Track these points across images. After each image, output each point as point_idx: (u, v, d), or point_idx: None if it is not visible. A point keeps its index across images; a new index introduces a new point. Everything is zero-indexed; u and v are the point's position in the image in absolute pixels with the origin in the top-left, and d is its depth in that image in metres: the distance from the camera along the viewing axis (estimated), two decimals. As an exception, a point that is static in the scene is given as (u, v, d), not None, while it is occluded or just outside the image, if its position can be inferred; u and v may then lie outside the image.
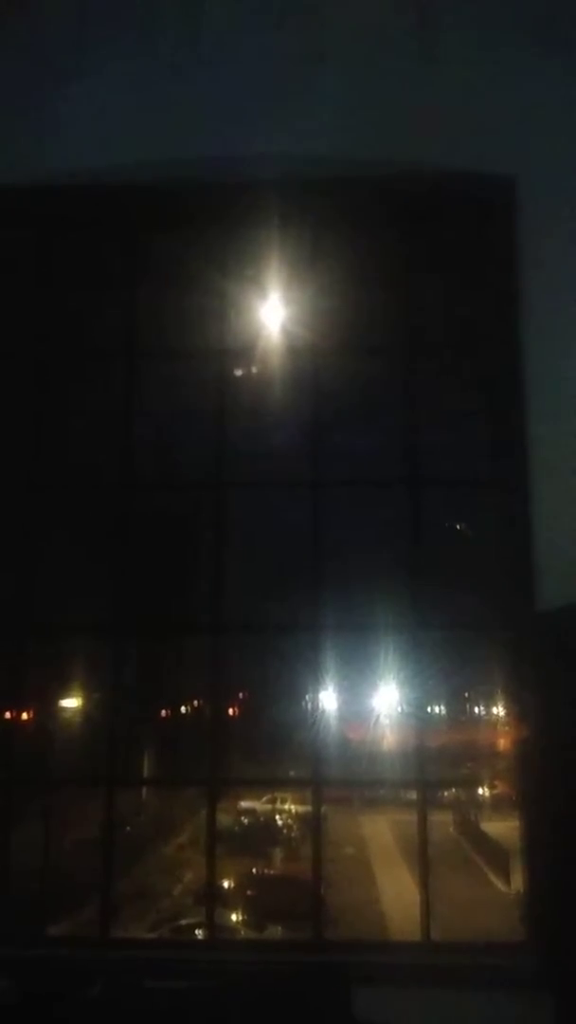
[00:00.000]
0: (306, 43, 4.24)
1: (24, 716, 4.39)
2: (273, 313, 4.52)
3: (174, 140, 4.21)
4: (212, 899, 4.17)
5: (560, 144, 4.13)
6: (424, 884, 3.86)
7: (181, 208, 4.45)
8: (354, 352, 4.49)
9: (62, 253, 4.56)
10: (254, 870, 13.13)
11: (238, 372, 4.50)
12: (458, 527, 4.72)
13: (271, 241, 4.36)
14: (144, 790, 14.44)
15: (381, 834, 17.09)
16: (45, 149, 4.24)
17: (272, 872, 13.43)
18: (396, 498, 4.21)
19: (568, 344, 3.96)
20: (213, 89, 4.22)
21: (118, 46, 4.30)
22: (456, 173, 4.20)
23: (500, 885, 14.08)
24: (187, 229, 4.49)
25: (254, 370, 4.51)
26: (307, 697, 4.26)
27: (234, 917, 9.83)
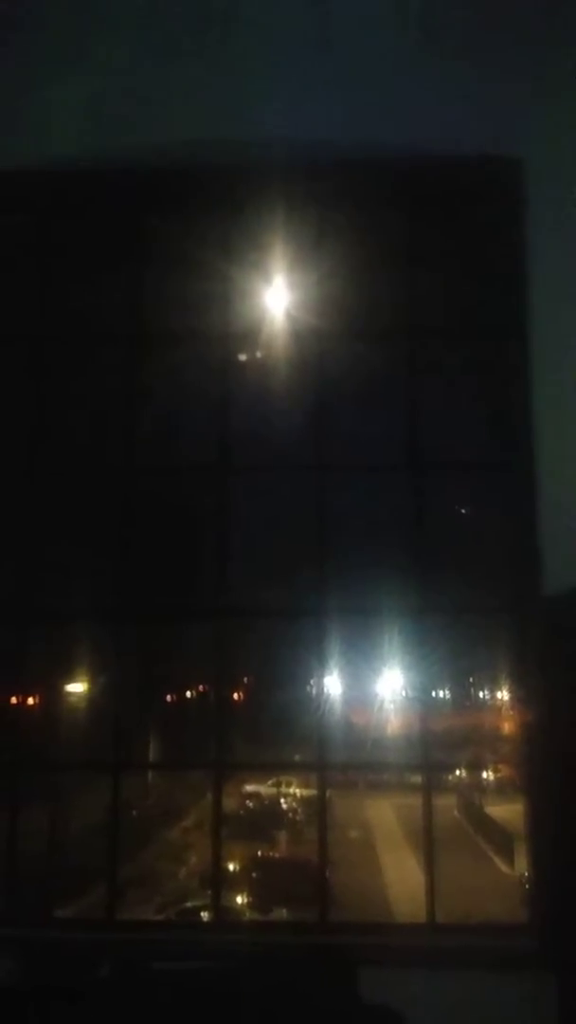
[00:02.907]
0: (310, 26, 4.21)
1: (30, 701, 4.41)
2: (277, 298, 4.50)
3: (177, 124, 4.19)
4: (218, 882, 4.20)
5: (567, 126, 4.10)
6: (429, 867, 3.88)
7: (184, 192, 4.43)
8: (359, 336, 4.47)
9: (64, 237, 4.54)
10: (259, 853, 13.23)
11: (242, 356, 4.48)
12: (463, 511, 4.71)
13: (275, 225, 4.34)
14: (150, 774, 14.52)
15: (385, 817, 17.20)
16: (47, 133, 4.22)
17: (277, 855, 13.54)
18: (400, 482, 4.20)
19: (573, 328, 3.95)
20: (217, 73, 4.19)
21: (121, 28, 4.27)
22: (462, 156, 4.17)
23: (504, 868, 14.18)
24: (190, 213, 4.46)
25: (258, 354, 4.50)
26: (312, 682, 4.28)
27: (239, 900, 9.93)
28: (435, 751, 4.17)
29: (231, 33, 4.22)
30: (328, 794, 4.17)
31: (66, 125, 4.20)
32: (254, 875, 11.48)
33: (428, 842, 3.94)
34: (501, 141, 4.11)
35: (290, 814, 15.70)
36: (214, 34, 4.22)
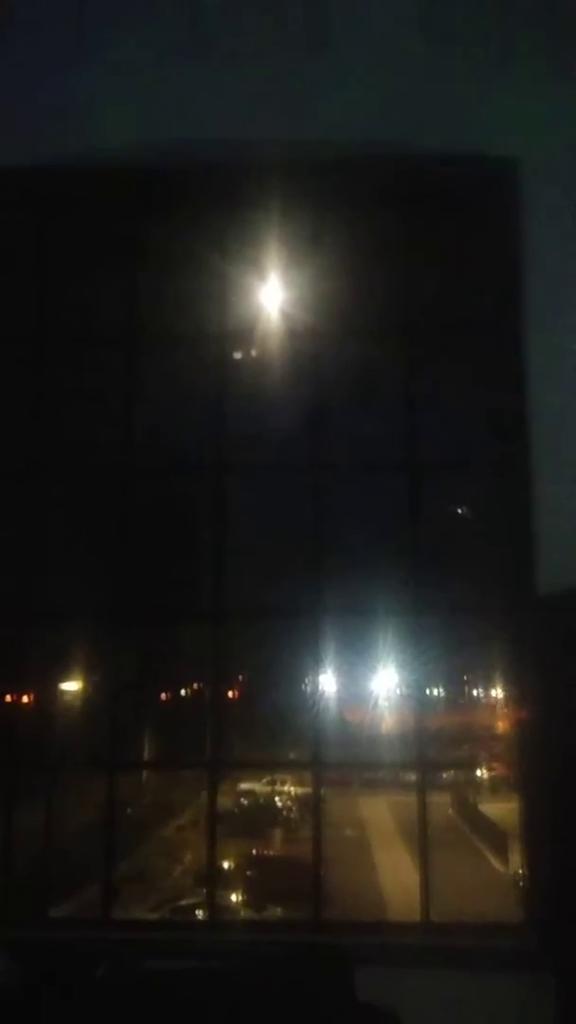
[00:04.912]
0: (307, 26, 4.21)
1: (25, 699, 4.41)
2: (273, 297, 4.50)
3: (174, 123, 4.19)
4: (213, 880, 4.20)
5: (562, 127, 4.10)
6: (423, 865, 3.88)
7: (181, 191, 4.42)
8: (354, 335, 4.47)
9: (61, 236, 4.53)
10: (254, 851, 13.21)
11: (238, 355, 4.48)
12: (459, 511, 4.71)
13: (271, 225, 4.34)
14: (145, 773, 14.51)
15: (380, 816, 17.19)
16: (45, 131, 4.21)
17: (272, 853, 13.52)
18: (397, 482, 4.21)
19: (569, 327, 3.96)
20: (214, 72, 4.19)
21: (119, 28, 4.26)
22: (457, 156, 4.17)
23: (499, 866, 14.18)
24: (187, 212, 4.46)
25: (254, 353, 4.50)
26: (307, 680, 4.27)
27: (234, 898, 9.92)
28: (430, 749, 4.17)
29: (227, 32, 4.22)
30: (323, 792, 4.17)
31: (63, 124, 4.20)
32: (249, 873, 11.47)
33: (422, 840, 3.94)
34: (497, 140, 4.11)
35: (285, 812, 15.67)
36: (210, 33, 4.22)
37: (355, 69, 4.15)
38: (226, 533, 4.21)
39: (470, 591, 4.22)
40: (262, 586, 4.48)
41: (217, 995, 3.23)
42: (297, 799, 15.54)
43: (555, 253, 4.00)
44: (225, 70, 4.17)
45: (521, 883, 3.94)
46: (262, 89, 4.14)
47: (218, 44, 4.20)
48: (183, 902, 9.32)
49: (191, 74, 4.19)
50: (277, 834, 14.64)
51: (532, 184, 4.07)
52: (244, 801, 15.67)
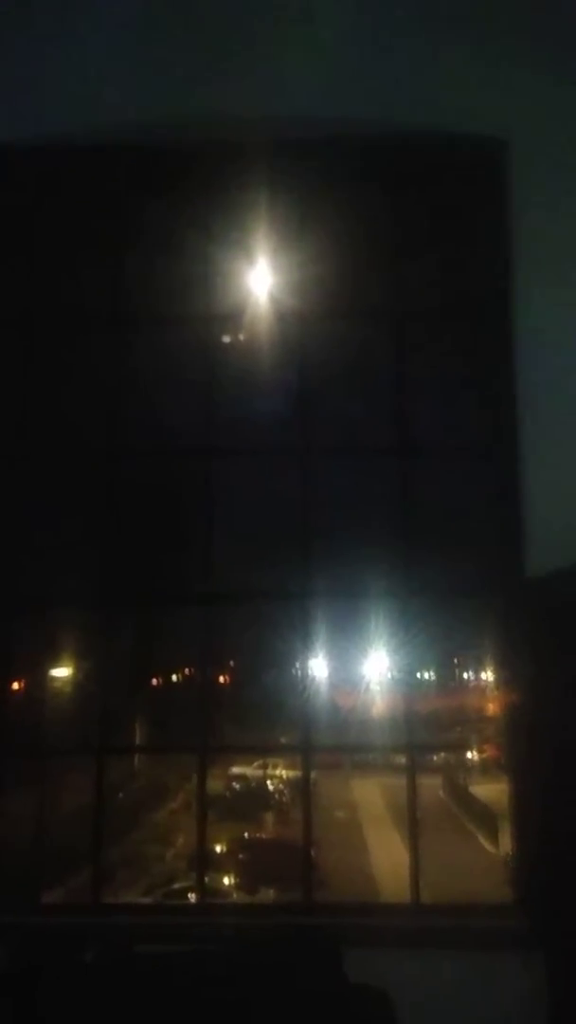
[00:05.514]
0: (296, 3, 4.16)
1: (15, 686, 4.39)
2: (262, 279, 4.47)
3: (162, 102, 4.14)
4: (204, 864, 4.21)
5: (553, 106, 4.08)
6: (413, 847, 3.89)
7: (169, 171, 4.39)
8: (344, 318, 4.44)
9: (48, 216, 4.48)
10: (246, 834, 13.26)
11: (226, 339, 4.45)
12: (448, 493, 4.70)
13: (260, 205, 4.31)
14: (137, 757, 14.52)
15: (371, 798, 17.25)
16: (32, 110, 4.16)
17: (264, 836, 13.57)
18: (386, 465, 4.19)
19: (560, 310, 3.94)
20: (203, 51, 4.13)
21: (103, 6, 4.21)
22: (448, 135, 4.15)
23: (489, 847, 14.28)
24: (175, 192, 4.42)
25: (242, 337, 4.46)
26: (297, 664, 4.26)
27: (226, 881, 9.96)
28: (420, 732, 4.18)
29: (214, 10, 4.16)
30: (314, 775, 4.18)
31: (48, 104, 4.15)
32: (240, 856, 11.52)
33: (412, 822, 3.96)
34: (487, 121, 4.08)
35: (277, 795, 15.71)
36: (197, 11, 4.16)
37: (344, 48, 4.10)
38: (215, 517, 4.19)
39: (459, 573, 4.22)
40: (252, 569, 4.46)
41: (208, 978, 3.23)
42: (289, 782, 15.57)
43: (546, 233, 3.98)
44: (211, 49, 4.12)
45: (511, 863, 3.95)
46: (251, 68, 4.09)
47: (207, 23, 4.15)
48: (175, 886, 9.35)
49: (180, 53, 4.13)
50: (269, 817, 14.69)
51: (523, 164, 4.04)
52: (236, 785, 15.70)
